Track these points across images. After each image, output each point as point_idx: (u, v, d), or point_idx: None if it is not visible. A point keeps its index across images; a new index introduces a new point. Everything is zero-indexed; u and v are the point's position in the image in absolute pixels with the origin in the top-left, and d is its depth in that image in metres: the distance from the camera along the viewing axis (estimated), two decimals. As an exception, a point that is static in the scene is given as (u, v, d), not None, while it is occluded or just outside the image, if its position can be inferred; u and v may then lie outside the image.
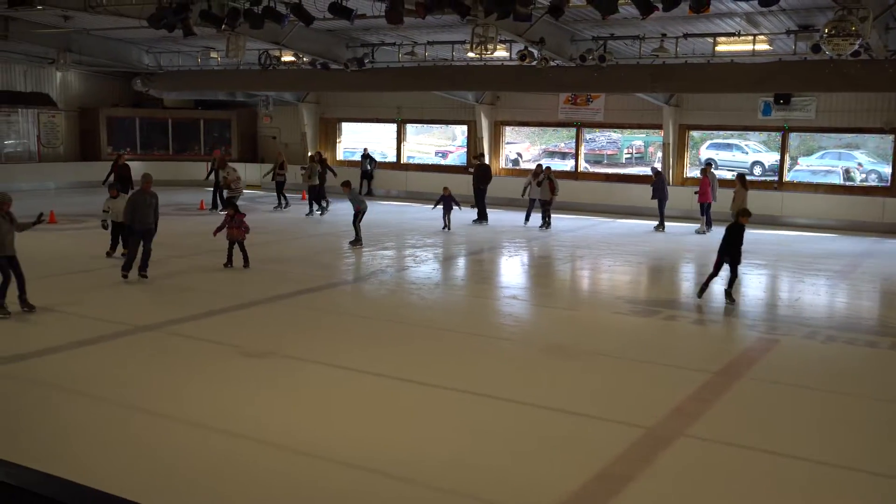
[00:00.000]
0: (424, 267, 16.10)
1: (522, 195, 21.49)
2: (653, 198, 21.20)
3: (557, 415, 7.75)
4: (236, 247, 14.48)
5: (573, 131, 27.12)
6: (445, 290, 14.20)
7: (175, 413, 7.49)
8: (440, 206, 20.14)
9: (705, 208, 20.62)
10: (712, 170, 21.72)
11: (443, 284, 14.75)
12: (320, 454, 6.69)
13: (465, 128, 28.66)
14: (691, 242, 19.31)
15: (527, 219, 21.46)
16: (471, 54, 20.08)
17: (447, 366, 9.24)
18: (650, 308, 12.52)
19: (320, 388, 8.43)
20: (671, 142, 24.49)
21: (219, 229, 14.54)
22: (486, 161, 25.14)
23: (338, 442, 6.95)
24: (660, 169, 22.77)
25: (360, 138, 31.25)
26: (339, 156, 31.19)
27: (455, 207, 20.06)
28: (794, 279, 15.23)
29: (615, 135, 28.31)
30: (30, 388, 8.20)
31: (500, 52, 19.80)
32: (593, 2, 12.66)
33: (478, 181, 22.04)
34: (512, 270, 16.63)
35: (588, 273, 16.36)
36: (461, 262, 16.81)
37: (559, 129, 28.01)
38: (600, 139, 28.62)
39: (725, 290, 12.48)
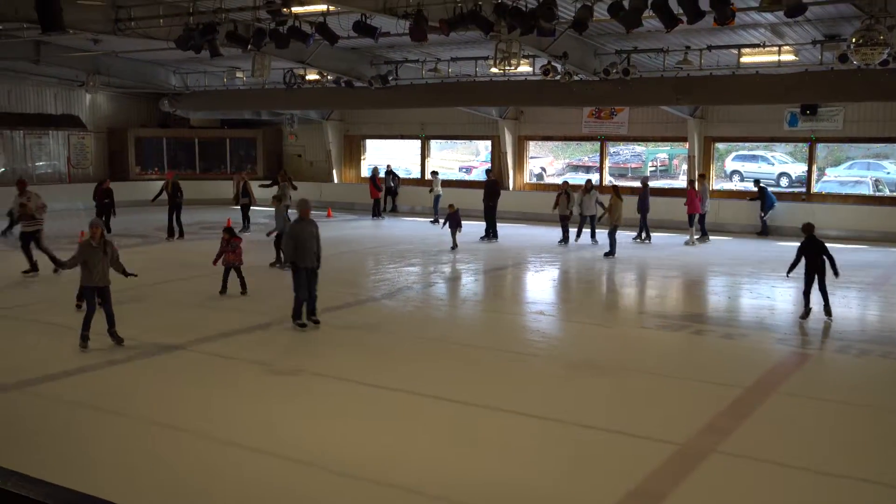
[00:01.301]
0: (451, 283, 16.12)
1: (579, 214, 20.84)
2: (639, 210, 21.11)
3: (589, 432, 7.69)
4: (232, 272, 13.76)
5: (597, 145, 27.06)
6: (472, 307, 14.19)
7: (204, 430, 7.53)
8: (447, 225, 19.68)
9: (694, 219, 20.74)
10: (704, 183, 21.56)
11: (469, 300, 14.74)
12: (351, 472, 6.68)
13: (488, 143, 28.70)
14: (718, 255, 19.13)
15: (577, 235, 20.75)
16: (494, 70, 20.11)
17: (476, 382, 9.21)
18: (678, 322, 12.41)
19: (349, 405, 8.43)
20: (696, 154, 24.34)
21: (218, 257, 13.78)
22: (511, 176, 25.16)
23: (368, 460, 6.94)
24: (648, 181, 22.84)
25: (385, 155, 31.42)
26: (364, 172, 31.34)
27: (460, 226, 19.53)
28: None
29: (639, 148, 28.23)
30: (61, 407, 8.28)
31: (524, 67, 19.83)
32: (617, 16, 12.65)
33: (487, 197, 21.78)
34: (537, 286, 16.58)
35: (614, 287, 16.26)
36: (487, 278, 16.78)
37: (583, 142, 27.97)
38: (624, 152, 28.56)
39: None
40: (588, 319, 12.90)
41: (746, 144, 25.75)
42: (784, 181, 25.14)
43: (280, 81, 24.84)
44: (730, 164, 26.54)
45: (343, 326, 12.08)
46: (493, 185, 22.30)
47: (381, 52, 22.93)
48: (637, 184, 25.61)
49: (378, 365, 9.84)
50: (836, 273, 11.91)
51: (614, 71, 19.45)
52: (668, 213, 22.49)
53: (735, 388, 8.99)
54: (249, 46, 16.75)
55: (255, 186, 23.95)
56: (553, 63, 19.27)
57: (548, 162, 29.42)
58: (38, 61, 23.82)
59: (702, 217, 20.99)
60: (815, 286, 12.03)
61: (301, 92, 25.78)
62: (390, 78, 23.24)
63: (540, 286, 16.53)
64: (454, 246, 19.37)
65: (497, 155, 28.05)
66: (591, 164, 28.09)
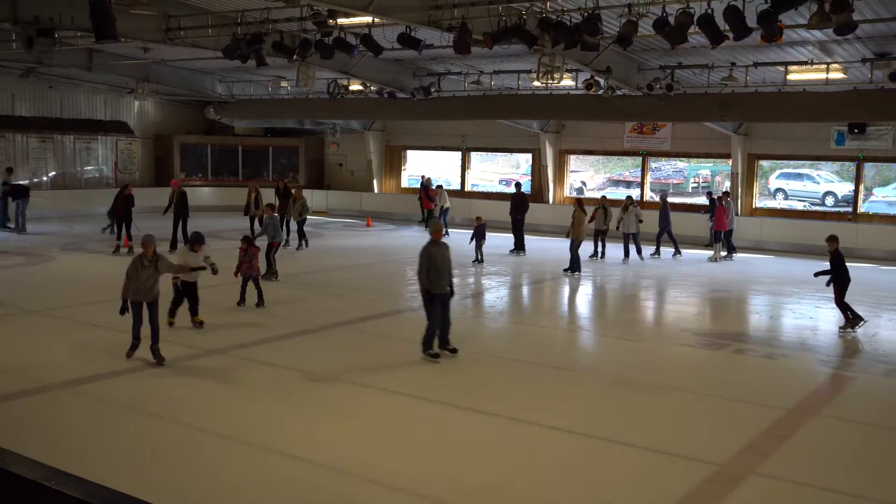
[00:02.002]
0: (488, 295, 16.12)
1: (616, 229, 20.40)
2: (659, 225, 20.89)
3: (627, 449, 7.62)
4: (250, 283, 13.41)
5: (639, 160, 26.89)
6: (509, 319, 14.17)
7: (239, 436, 7.62)
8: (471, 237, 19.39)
9: (721, 236, 20.52)
10: (728, 199, 21.19)
11: (506, 313, 14.72)
12: (387, 482, 6.72)
13: (529, 156, 28.68)
14: (757, 273, 18.85)
15: (603, 253, 20.33)
16: (537, 83, 20.14)
17: (512, 396, 9.19)
18: (717, 340, 12.26)
19: (385, 415, 8.47)
20: (740, 171, 24.07)
21: (238, 267, 13.34)
22: (551, 189, 25.07)
23: (404, 471, 6.97)
24: (667, 197, 22.75)
25: (425, 165, 31.55)
26: (404, 183, 31.52)
27: (484, 238, 19.14)
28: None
29: (681, 164, 27.97)
30: (101, 408, 8.45)
31: (566, 81, 19.81)
32: (662, 31, 12.59)
33: (515, 210, 21.45)
34: (575, 300, 16.50)
35: (653, 304, 16.12)
36: (524, 291, 16.76)
37: (624, 157, 27.81)
38: (666, 168, 28.32)
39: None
40: (625, 335, 12.80)
41: (791, 162, 25.39)
42: (829, 200, 24.71)
43: (324, 91, 25.12)
44: (774, 182, 26.15)
45: (379, 335, 12.14)
46: (522, 198, 21.92)
47: (424, 64, 23.09)
48: (702, 200, 25.31)
49: (414, 376, 9.88)
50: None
51: (658, 86, 19.34)
52: (708, 231, 22.19)
53: (776, 409, 8.86)
54: (295, 56, 16.99)
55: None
56: (596, 77, 19.23)
57: (588, 176, 29.29)
58: (91, 68, 24.47)
59: (728, 234, 20.73)
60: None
61: (344, 102, 26.03)
62: (433, 89, 23.37)
63: (574, 301, 16.45)
64: (478, 259, 19.00)
65: (537, 168, 28.01)
66: (631, 178, 27.90)
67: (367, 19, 15.19)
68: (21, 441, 6.94)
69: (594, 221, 20.01)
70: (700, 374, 10.48)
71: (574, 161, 28.39)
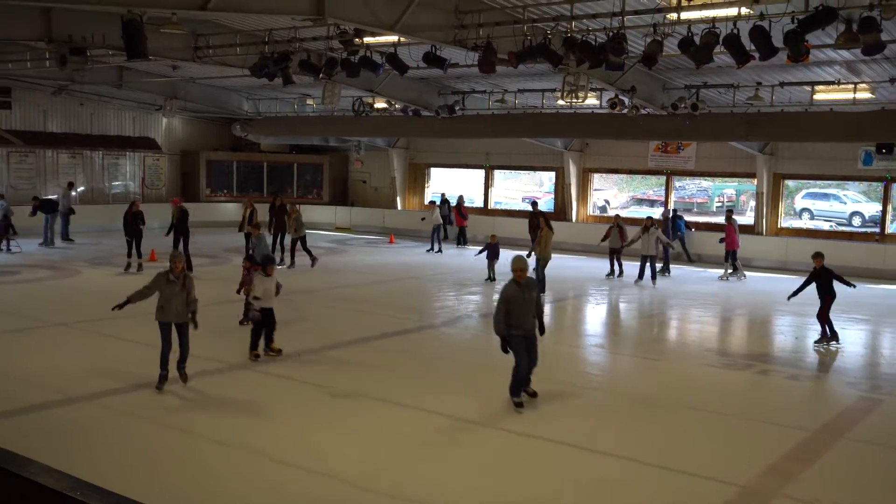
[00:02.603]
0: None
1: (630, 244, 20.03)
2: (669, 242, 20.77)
3: (647, 469, 7.57)
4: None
5: (663, 179, 26.80)
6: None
7: (262, 450, 7.66)
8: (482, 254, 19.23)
9: (731, 255, 20.39)
10: (733, 216, 21.13)
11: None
12: (414, 499, 6.71)
13: (553, 174, 28.68)
14: (781, 293, 18.63)
15: (620, 271, 20.14)
16: (561, 102, 20.17)
17: (534, 414, 9.16)
18: (741, 361, 12.15)
19: (409, 432, 8.47)
20: (765, 191, 23.91)
21: (241, 286, 12.57)
22: (574, 208, 25.01)
23: (431, 488, 6.96)
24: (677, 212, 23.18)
25: (449, 183, 31.64)
26: (427, 200, 31.60)
27: (497, 257, 18.74)
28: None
29: (706, 183, 27.85)
30: (125, 421, 8.52)
31: (591, 100, 19.83)
32: (688, 51, 12.59)
33: (532, 230, 21.14)
34: (596, 319, 16.44)
35: (675, 323, 16.00)
36: (546, 310, 16.68)
37: (648, 176, 27.73)
38: (690, 187, 28.20)
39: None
40: (647, 354, 12.72)
41: (818, 182, 25.18)
42: (856, 221, 24.47)
43: (349, 109, 25.33)
44: (800, 202, 25.96)
45: (403, 352, 12.16)
46: (539, 216, 21.53)
47: (448, 83, 23.23)
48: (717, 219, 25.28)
49: (437, 393, 9.87)
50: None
51: (682, 105, 19.31)
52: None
53: (801, 430, 8.76)
54: (321, 75, 17.17)
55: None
56: (620, 97, 19.24)
57: (612, 195, 29.24)
58: (121, 86, 24.87)
59: (734, 253, 20.60)
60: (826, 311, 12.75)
61: (369, 120, 26.23)
62: (457, 108, 23.50)
63: (594, 319, 16.38)
64: (490, 278, 18.69)
65: (561, 186, 28.00)
66: (655, 197, 27.82)
67: (393, 38, 15.33)
68: (46, 451, 7.03)
69: (608, 240, 19.97)
70: (723, 395, 10.38)
71: (598, 179, 28.37)
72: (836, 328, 12.91)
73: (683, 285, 19.49)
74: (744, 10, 11.94)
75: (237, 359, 11.01)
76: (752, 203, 25.08)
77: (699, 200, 28.26)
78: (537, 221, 21.30)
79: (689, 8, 12.41)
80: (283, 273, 19.34)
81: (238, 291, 12.70)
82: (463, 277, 19.17)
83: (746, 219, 25.92)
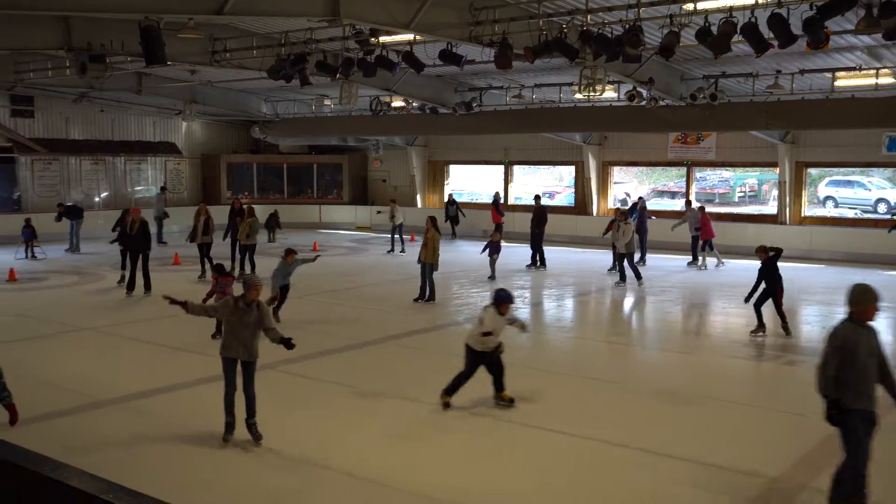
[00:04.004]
0: (530, 308, 16.06)
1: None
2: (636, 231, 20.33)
3: (675, 462, 7.53)
4: None
5: (683, 170, 26.63)
6: (552, 332, 14.10)
7: (291, 451, 7.70)
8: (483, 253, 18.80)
9: (707, 245, 20.67)
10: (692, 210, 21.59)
11: (549, 326, 14.66)
12: (429, 494, 6.73)
13: (572, 168, 28.58)
14: (807, 282, 18.48)
15: (621, 277, 18.63)
16: (578, 96, 20.10)
17: (558, 409, 9.15)
18: (769, 352, 12.06)
19: (432, 430, 8.49)
20: (787, 180, 23.69)
21: (208, 296, 12.14)
22: (594, 201, 24.94)
23: (456, 485, 6.97)
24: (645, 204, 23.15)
25: (468, 180, 31.66)
26: (447, 197, 31.62)
27: (498, 253, 18.49)
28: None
29: (727, 173, 27.66)
30: (154, 423, 8.60)
31: (609, 93, 19.73)
32: (705, 41, 12.48)
33: (534, 223, 20.89)
34: (620, 312, 16.37)
35: (701, 315, 15.90)
36: (567, 304, 16.66)
37: (668, 168, 27.57)
38: (711, 178, 28.01)
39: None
40: (670, 347, 12.66)
41: (841, 169, 24.91)
42: (882, 207, 24.19)
43: (366, 108, 25.38)
44: (823, 190, 25.73)
45: (426, 349, 12.17)
46: (541, 211, 21.42)
47: (465, 79, 23.21)
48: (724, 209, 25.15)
49: (460, 391, 9.87)
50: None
51: (701, 96, 19.17)
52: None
53: (830, 422, 8.65)
54: (338, 75, 17.21)
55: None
56: (638, 89, 19.12)
57: (632, 187, 29.10)
58: (140, 92, 25.08)
59: (695, 241, 20.91)
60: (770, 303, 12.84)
61: (387, 118, 26.27)
62: (474, 104, 23.47)
63: (618, 313, 16.30)
64: (492, 276, 18.44)
65: (581, 180, 27.91)
66: (676, 189, 27.67)
67: (409, 37, 15.33)
68: (77, 455, 7.11)
69: (610, 234, 19.22)
70: (752, 386, 10.32)
71: (618, 172, 28.25)
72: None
73: (702, 277, 19.35)
74: (761, -2, 11.82)
75: (266, 359, 11.05)
76: (775, 192, 24.87)
77: (721, 191, 28.07)
78: (541, 216, 21.01)
79: (706, -3, 12.30)
80: (329, 270, 19.45)
81: (205, 300, 11.67)
82: (484, 274, 19.09)
83: (769, 208, 25.72)
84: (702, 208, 21.36)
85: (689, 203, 22.38)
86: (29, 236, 21.98)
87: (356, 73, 16.93)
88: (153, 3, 12.63)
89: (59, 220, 23.43)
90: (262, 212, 31.07)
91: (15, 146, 26.65)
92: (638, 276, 17.98)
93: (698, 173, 26.91)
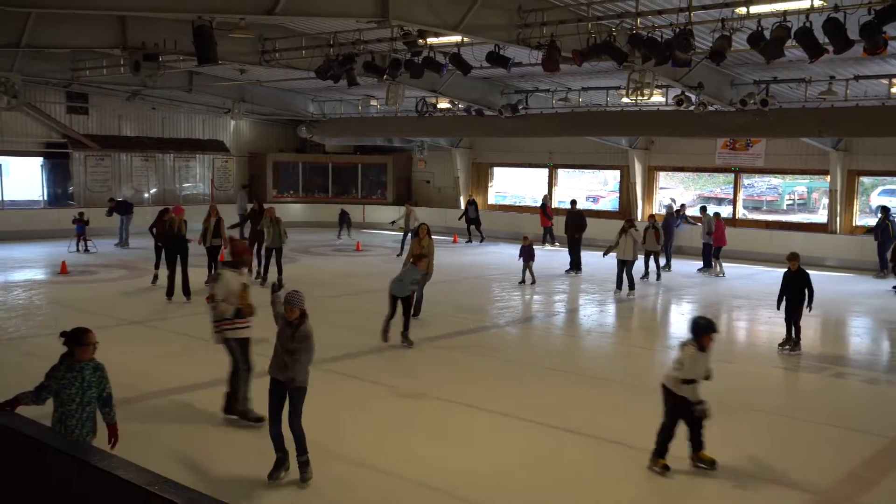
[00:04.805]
0: (576, 313, 15.96)
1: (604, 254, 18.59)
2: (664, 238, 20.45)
3: (724, 474, 7.40)
4: None
5: (731, 177, 26.25)
6: (597, 337, 14.00)
7: (335, 449, 7.75)
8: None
9: (717, 251, 20.53)
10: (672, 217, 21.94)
11: (594, 331, 14.55)
12: (467, 498, 6.72)
13: (617, 173, 28.35)
14: (856, 292, 18.06)
15: (618, 285, 17.64)
16: (626, 100, 19.92)
17: (603, 415, 9.08)
18: (815, 363, 11.81)
19: (471, 431, 8.48)
20: (839, 188, 23.19)
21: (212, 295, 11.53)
22: (639, 206, 24.67)
23: (493, 489, 6.96)
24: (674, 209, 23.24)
25: (512, 182, 31.58)
26: (491, 199, 31.65)
27: (533, 259, 18.28)
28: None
29: (776, 180, 27.17)
30: (198, 417, 8.72)
31: (656, 97, 19.49)
32: (757, 46, 12.28)
33: (572, 229, 20.58)
34: (665, 319, 16.18)
35: (745, 324, 15.64)
36: (611, 309, 16.51)
37: (716, 174, 27.19)
38: (760, 185, 27.55)
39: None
40: (715, 355, 12.43)
41: (895, 179, 24.31)
42: (937, 218, 23.52)
43: (412, 109, 25.47)
44: (876, 199, 25.11)
45: (468, 352, 12.16)
46: (579, 216, 21.06)
47: (511, 82, 23.16)
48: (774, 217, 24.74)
49: (502, 393, 9.85)
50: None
51: (752, 102, 18.86)
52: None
53: (881, 437, 8.46)
54: (385, 76, 17.30)
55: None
56: (687, 93, 18.90)
57: (678, 193, 28.75)
58: (191, 90, 25.52)
59: (706, 248, 20.85)
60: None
61: (432, 120, 26.33)
62: (520, 107, 23.41)
63: (659, 318, 16.11)
64: (524, 281, 18.21)
65: (626, 185, 27.67)
66: (723, 195, 27.27)
67: (457, 38, 15.35)
68: (124, 447, 7.23)
69: (645, 242, 18.79)
70: (797, 398, 10.12)
71: (663, 178, 27.94)
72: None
73: (745, 283, 19.04)
74: (817, 3, 11.59)
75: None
76: (825, 201, 24.37)
77: (769, 198, 27.59)
78: (579, 221, 20.64)
79: (759, 2, 12.07)
80: (372, 267, 19.61)
81: (209, 300, 11.28)
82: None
83: (819, 217, 25.21)
84: (717, 215, 21.10)
85: (703, 209, 22.08)
86: (81, 230, 22.50)
87: (403, 74, 17.00)
88: (207, 3, 12.84)
89: (109, 214, 23.96)
90: (322, 211, 31.57)
91: (69, 142, 27.32)
92: (632, 285, 17.29)
93: (746, 180, 26.48)
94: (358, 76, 17.21)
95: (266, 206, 19.61)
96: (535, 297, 17.41)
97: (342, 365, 10.94)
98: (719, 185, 27.83)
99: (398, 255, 22.42)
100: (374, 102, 27.70)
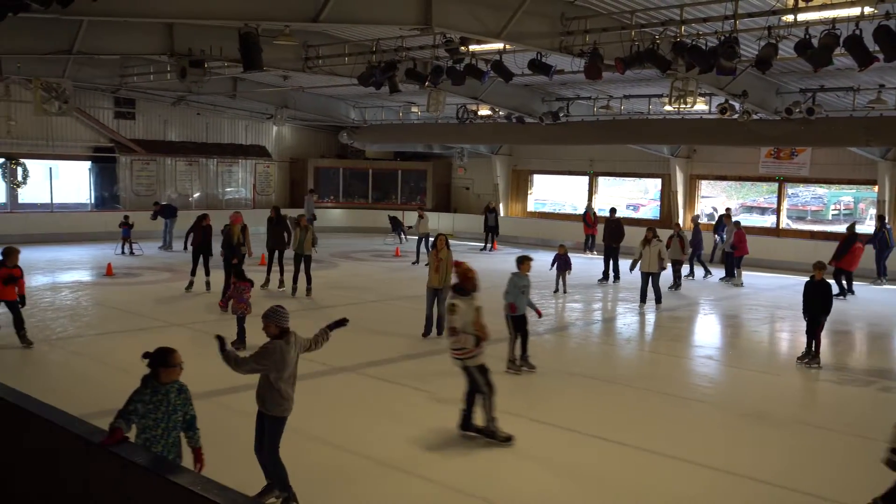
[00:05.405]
0: (613, 321, 15.85)
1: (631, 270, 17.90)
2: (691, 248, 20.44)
3: (760, 486, 7.31)
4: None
5: (774, 186, 25.86)
6: (636, 346, 13.89)
7: (364, 451, 7.79)
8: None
9: (739, 262, 20.34)
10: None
11: (633, 340, 14.43)
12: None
13: (658, 181, 28.11)
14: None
15: (642, 298, 16.84)
16: (668, 108, 19.76)
17: (642, 426, 9.00)
18: (862, 377, 11.58)
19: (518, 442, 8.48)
20: (887, 198, 22.72)
21: (225, 299, 11.48)
22: (681, 215, 24.41)
23: (522, 496, 6.95)
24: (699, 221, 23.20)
25: (552, 190, 31.49)
26: (531, 207, 31.57)
27: (569, 268, 18.21)
28: None
29: (821, 190, 26.71)
30: (235, 419, 8.82)
31: (699, 105, 19.32)
32: (804, 54, 12.09)
33: (610, 238, 20.25)
34: (705, 329, 15.98)
35: (789, 335, 15.37)
36: (650, 318, 16.34)
37: (759, 183, 26.82)
38: (804, 194, 27.11)
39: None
40: (756, 367, 12.27)
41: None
42: None
43: (453, 116, 25.54)
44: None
45: (504, 359, 12.12)
46: (617, 225, 20.75)
47: (553, 89, 23.11)
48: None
49: (537, 402, 9.82)
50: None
51: (797, 110, 18.59)
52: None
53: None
54: (427, 83, 17.38)
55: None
56: (731, 101, 18.68)
57: (720, 202, 28.40)
58: (235, 96, 25.90)
59: (728, 256, 20.61)
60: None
61: (473, 127, 26.38)
62: (561, 114, 23.35)
63: (700, 329, 15.91)
64: (557, 290, 18.06)
65: (667, 193, 27.43)
66: (766, 205, 26.89)
67: (499, 46, 15.38)
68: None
69: (669, 250, 18.11)
70: (841, 412, 9.92)
71: (706, 186, 27.64)
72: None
73: (788, 293, 18.71)
74: (867, 10, 11.39)
75: (345, 361, 11.24)
76: (872, 211, 23.88)
77: (814, 208, 27.12)
78: (617, 231, 20.38)
79: (807, 9, 11.90)
80: (409, 270, 19.58)
81: (223, 304, 11.38)
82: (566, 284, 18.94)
83: (866, 227, 24.70)
84: (737, 223, 20.87)
85: (728, 217, 21.86)
86: (127, 233, 22.93)
87: (445, 81, 17.06)
88: (253, 11, 13.04)
89: (154, 218, 24.39)
90: (362, 216, 31.74)
91: (117, 146, 27.88)
92: (658, 298, 16.74)
93: (790, 189, 26.08)
94: (400, 83, 17.30)
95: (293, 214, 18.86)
96: (572, 304, 17.30)
97: (378, 369, 10.97)
98: (762, 194, 27.44)
99: (414, 263, 22.30)
100: (414, 109, 27.84)
